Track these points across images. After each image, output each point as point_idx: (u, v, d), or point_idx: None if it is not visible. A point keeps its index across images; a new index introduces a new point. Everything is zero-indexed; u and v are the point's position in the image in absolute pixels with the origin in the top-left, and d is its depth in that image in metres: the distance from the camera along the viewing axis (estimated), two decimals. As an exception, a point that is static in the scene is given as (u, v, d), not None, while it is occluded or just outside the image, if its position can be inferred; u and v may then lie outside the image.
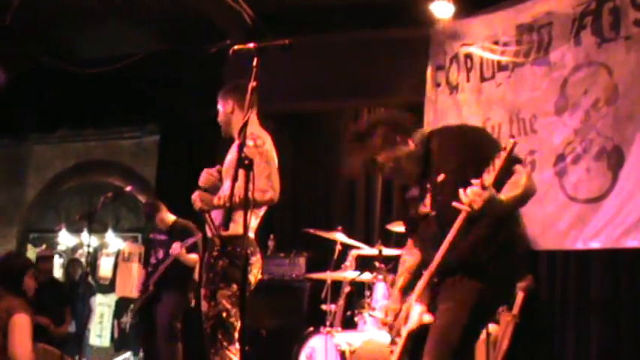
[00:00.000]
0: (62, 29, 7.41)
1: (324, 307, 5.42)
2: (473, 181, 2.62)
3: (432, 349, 2.85)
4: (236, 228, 3.37)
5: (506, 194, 2.72)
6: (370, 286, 5.41)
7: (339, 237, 5.53)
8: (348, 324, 5.39)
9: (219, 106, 4.08)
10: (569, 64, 5.38)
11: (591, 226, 5.09)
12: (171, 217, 6.48)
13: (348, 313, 5.48)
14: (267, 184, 3.71)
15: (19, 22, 6.80)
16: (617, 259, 5.13)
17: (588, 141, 5.16)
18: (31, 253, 10.18)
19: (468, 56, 6.13)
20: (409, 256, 3.29)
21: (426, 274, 2.95)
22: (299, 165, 7.20)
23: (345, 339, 4.86)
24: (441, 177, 2.98)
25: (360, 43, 6.82)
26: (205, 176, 3.87)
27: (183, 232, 6.22)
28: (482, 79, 6.02)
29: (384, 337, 4.97)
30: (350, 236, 5.67)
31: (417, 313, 3.02)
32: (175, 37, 7.45)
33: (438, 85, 6.39)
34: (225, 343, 3.62)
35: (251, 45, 2.99)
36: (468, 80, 6.13)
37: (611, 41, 5.17)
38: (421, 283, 2.99)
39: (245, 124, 2.99)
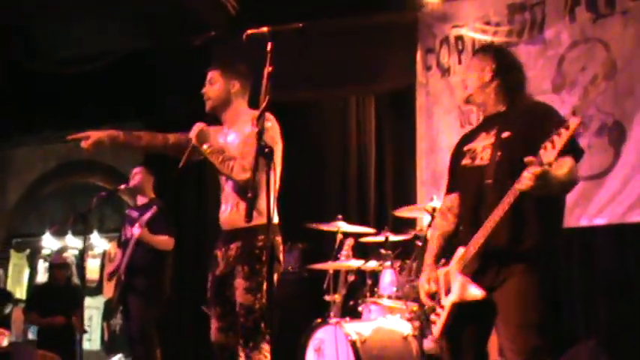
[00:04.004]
0: (39, 27, 7.22)
1: (327, 297, 5.34)
2: (526, 159, 2.54)
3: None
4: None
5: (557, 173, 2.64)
6: (373, 275, 5.33)
7: (341, 226, 5.42)
8: (350, 314, 5.30)
9: (218, 79, 3.86)
10: (565, 41, 5.38)
11: (595, 202, 5.09)
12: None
13: (351, 302, 5.40)
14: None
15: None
16: (623, 235, 5.12)
17: (588, 117, 5.15)
18: (15, 258, 9.98)
19: (459, 38, 6.09)
20: (444, 221, 3.20)
21: (471, 245, 2.87)
22: (289, 155, 7.07)
23: (354, 329, 4.77)
24: (506, 134, 2.93)
25: (346, 30, 6.71)
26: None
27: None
28: (475, 60, 5.97)
29: (393, 324, 4.94)
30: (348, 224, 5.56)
31: (461, 285, 2.93)
32: (156, 31, 7.29)
33: (429, 68, 6.34)
34: (267, 337, 3.47)
35: (265, 29, 2.92)
36: (459, 62, 6.08)
37: (607, 16, 5.20)
38: (464, 254, 2.92)
39: (263, 112, 2.91)
